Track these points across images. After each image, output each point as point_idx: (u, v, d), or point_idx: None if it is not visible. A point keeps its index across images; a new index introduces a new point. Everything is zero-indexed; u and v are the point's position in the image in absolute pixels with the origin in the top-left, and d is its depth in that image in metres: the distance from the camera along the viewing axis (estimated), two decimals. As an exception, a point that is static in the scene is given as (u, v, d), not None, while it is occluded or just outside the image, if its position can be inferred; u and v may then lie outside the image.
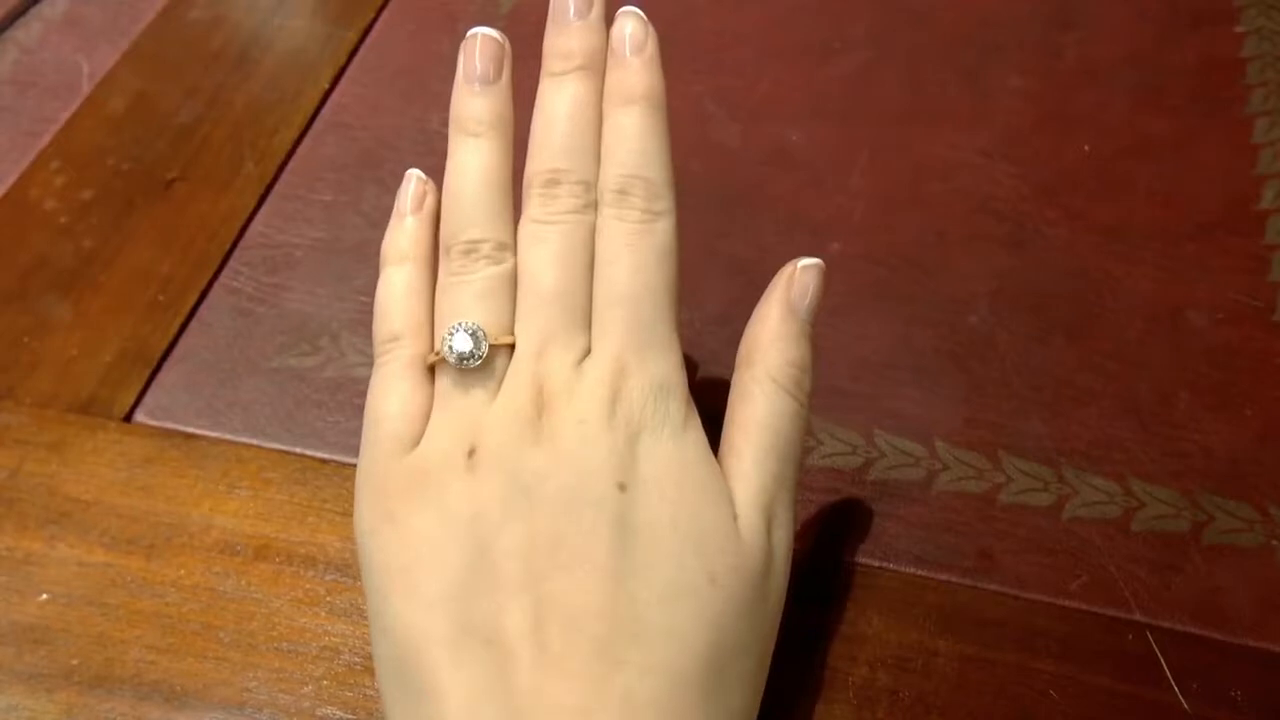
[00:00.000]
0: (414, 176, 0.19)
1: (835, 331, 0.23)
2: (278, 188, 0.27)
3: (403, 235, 0.19)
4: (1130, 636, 0.18)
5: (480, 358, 0.17)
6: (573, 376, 0.17)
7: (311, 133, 0.28)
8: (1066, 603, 0.19)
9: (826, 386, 0.22)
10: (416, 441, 0.17)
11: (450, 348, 0.17)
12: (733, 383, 0.18)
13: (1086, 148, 0.26)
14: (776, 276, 0.18)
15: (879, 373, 0.22)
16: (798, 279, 0.18)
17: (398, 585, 0.15)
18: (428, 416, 0.17)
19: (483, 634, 0.15)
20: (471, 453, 0.16)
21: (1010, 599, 0.19)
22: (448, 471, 0.16)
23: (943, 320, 0.23)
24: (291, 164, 0.27)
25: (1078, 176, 0.25)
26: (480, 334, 0.17)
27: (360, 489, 0.17)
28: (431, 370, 0.17)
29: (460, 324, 0.17)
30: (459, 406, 0.17)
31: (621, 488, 0.16)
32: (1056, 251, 0.24)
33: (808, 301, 0.18)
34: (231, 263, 0.25)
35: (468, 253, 0.18)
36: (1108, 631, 0.18)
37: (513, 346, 0.17)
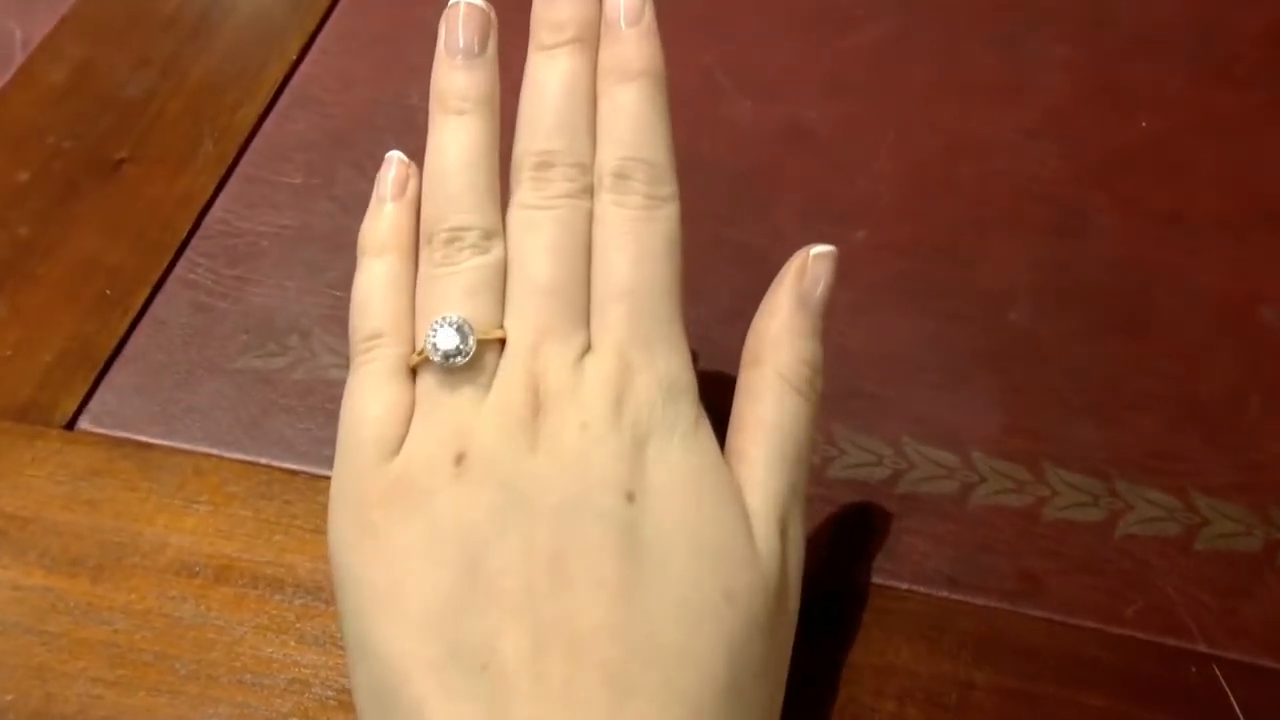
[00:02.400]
0: (395, 159, 0.20)
1: (859, 329, 0.23)
2: (240, 169, 0.27)
3: (382, 224, 0.19)
4: (1193, 669, 0.19)
5: (467, 355, 0.17)
6: (572, 375, 0.17)
7: (278, 108, 0.29)
8: (1119, 630, 0.19)
9: (849, 390, 0.23)
10: (399, 447, 0.17)
11: (434, 345, 0.17)
12: (739, 382, 0.18)
13: (1143, 124, 0.27)
14: (786, 266, 0.18)
15: (908, 375, 0.23)
16: (810, 269, 0.18)
17: (380, 606, 0.16)
18: (409, 420, 0.17)
19: (477, 660, 0.15)
20: (460, 458, 0.16)
21: (1055, 626, 0.19)
22: (434, 479, 0.16)
23: (979, 317, 0.24)
24: (255, 143, 0.28)
25: (1132, 157, 0.26)
26: (467, 328, 0.17)
27: (336, 500, 0.17)
28: (414, 372, 0.18)
29: (444, 318, 0.17)
30: (445, 408, 0.17)
31: (630, 497, 0.16)
32: (1107, 241, 0.25)
33: (820, 294, 0.18)
34: (188, 253, 0.26)
35: (451, 241, 0.18)
36: (1167, 663, 0.19)
37: (503, 342, 0.17)
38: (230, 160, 0.27)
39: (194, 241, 0.26)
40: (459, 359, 0.17)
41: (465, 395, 0.17)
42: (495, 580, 0.15)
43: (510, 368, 0.17)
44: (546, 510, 0.16)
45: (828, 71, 0.28)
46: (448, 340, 0.17)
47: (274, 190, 0.27)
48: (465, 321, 0.17)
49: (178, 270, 0.26)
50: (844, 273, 0.24)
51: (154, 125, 0.28)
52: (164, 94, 0.29)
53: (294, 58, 0.29)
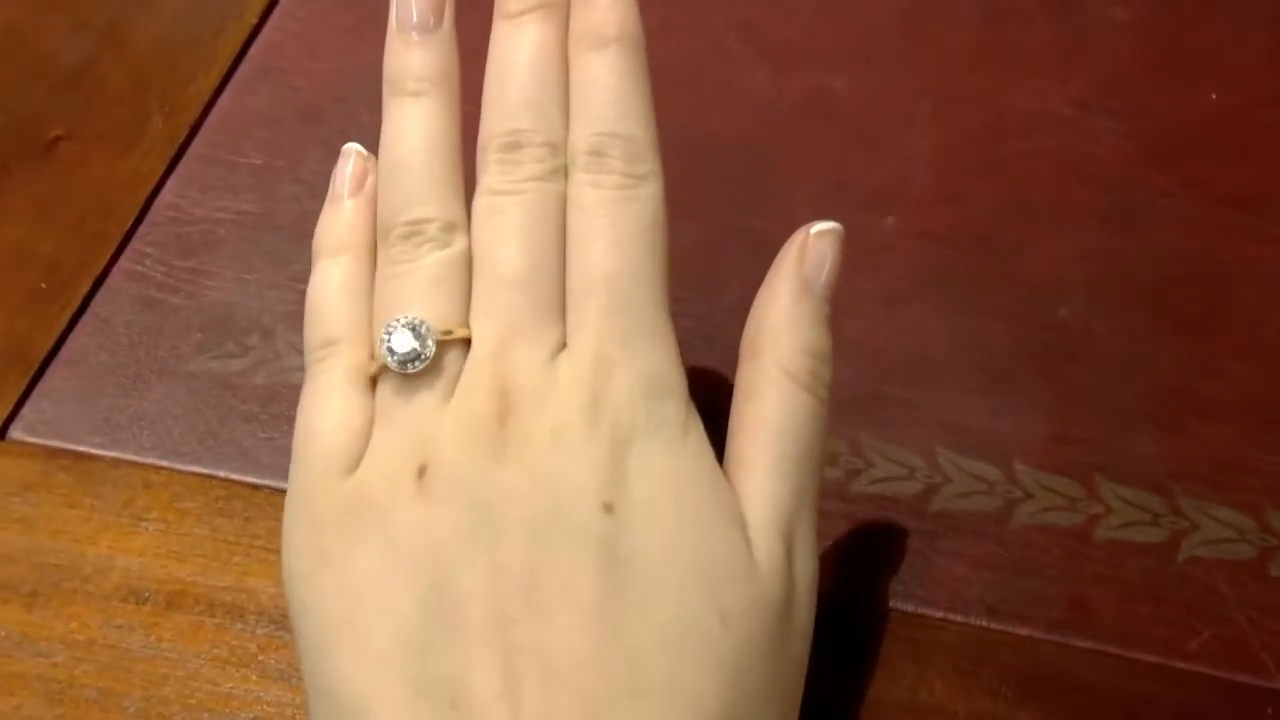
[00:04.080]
0: (352, 152, 0.20)
1: (888, 326, 0.24)
2: (193, 148, 0.28)
3: (339, 222, 0.20)
4: (1270, 710, 0.19)
5: (426, 358, 0.17)
6: (543, 375, 0.17)
7: (236, 80, 0.29)
8: (1183, 665, 0.20)
9: (876, 395, 0.23)
10: (356, 464, 0.18)
11: (389, 349, 0.17)
12: (737, 378, 0.18)
13: (1213, 96, 0.27)
14: (785, 247, 0.19)
15: (944, 377, 0.23)
16: (811, 249, 0.18)
17: (339, 638, 0.16)
18: (368, 434, 0.18)
19: (445, 695, 0.15)
20: (421, 472, 0.17)
21: (1110, 659, 0.20)
22: (393, 496, 0.17)
23: (1025, 313, 0.24)
24: (210, 119, 0.29)
25: (1200, 133, 0.26)
26: (424, 329, 0.18)
27: (288, 524, 0.18)
28: (375, 382, 0.18)
29: (399, 319, 0.18)
30: (403, 418, 0.17)
31: (608, 509, 0.16)
32: (1172, 227, 0.25)
33: (824, 276, 0.18)
34: (135, 242, 0.27)
35: (410, 236, 0.18)
36: (1237, 702, 0.19)
37: (468, 343, 0.18)
38: (182, 138, 0.28)
39: (141, 230, 0.27)
40: (417, 363, 0.17)
41: (425, 402, 0.17)
42: (462, 607, 0.16)
43: (474, 370, 0.17)
44: (516, 526, 0.16)
45: (855, 35, 0.29)
46: (403, 343, 0.17)
47: (232, 172, 0.28)
48: (422, 322, 0.18)
49: (123, 262, 0.26)
50: (872, 263, 0.25)
51: (94, 99, 0.29)
52: (105, 62, 0.30)
53: (254, 22, 0.30)
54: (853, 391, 0.23)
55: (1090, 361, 0.24)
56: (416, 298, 0.18)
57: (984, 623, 0.20)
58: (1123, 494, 0.22)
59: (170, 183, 0.28)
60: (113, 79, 0.29)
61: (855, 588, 0.21)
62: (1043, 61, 0.28)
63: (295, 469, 0.18)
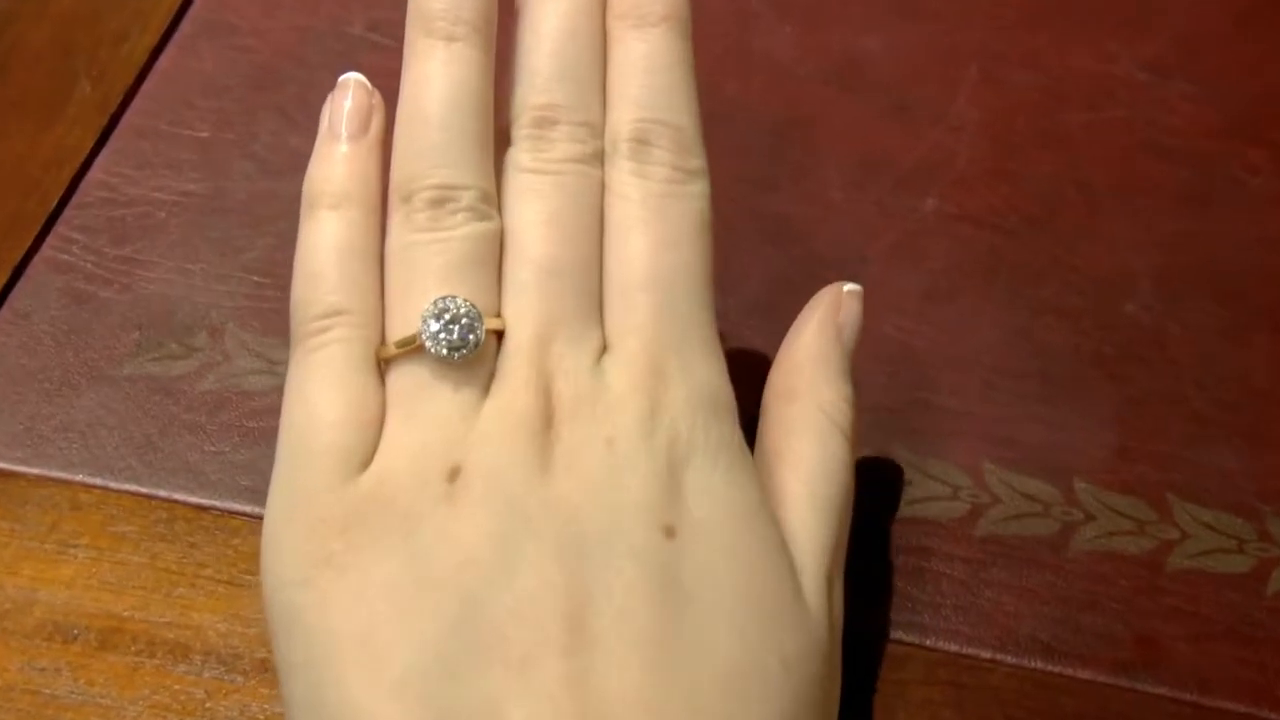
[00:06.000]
0: (352, 83, 0.20)
1: (929, 324, 0.24)
2: (128, 119, 0.28)
3: (338, 167, 0.20)
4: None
5: (474, 347, 0.18)
6: (591, 378, 0.18)
7: (177, 39, 0.30)
8: (1272, 715, 0.20)
9: (915, 402, 0.23)
10: (368, 460, 0.18)
11: (434, 333, 0.18)
12: (771, 415, 0.20)
13: (1306, 58, 0.28)
14: (815, 298, 0.21)
15: (992, 382, 0.24)
16: (845, 305, 0.20)
17: (346, 661, 0.16)
18: (379, 425, 0.18)
19: None
20: (454, 474, 0.17)
21: (1186, 708, 0.20)
22: (419, 499, 0.17)
23: (1086, 308, 0.25)
24: (147, 85, 0.29)
25: (1290, 101, 0.27)
26: (474, 315, 0.18)
27: (279, 523, 0.18)
28: (382, 364, 0.19)
29: (447, 300, 0.18)
30: (431, 412, 0.18)
31: (668, 533, 0.17)
32: (1258, 209, 0.26)
33: (850, 333, 0.20)
34: (60, 226, 0.27)
35: (440, 202, 0.19)
36: (1337, 757, 0.20)
37: (500, 334, 0.18)
38: (114, 107, 0.28)
39: (68, 212, 0.27)
40: (463, 352, 0.18)
41: (458, 397, 0.18)
42: (498, 630, 0.16)
43: (515, 366, 0.18)
44: (565, 543, 0.17)
45: (892, -10, 0.29)
46: (451, 329, 0.18)
47: (174, 146, 0.28)
48: (468, 304, 0.18)
49: (46, 249, 0.27)
50: (910, 252, 0.25)
51: (10, 61, 0.29)
52: (23, 19, 0.30)
53: (197, -27, 0.31)
54: (887, 399, 0.23)
55: (1163, 364, 0.24)
56: (453, 275, 0.18)
57: (1039, 664, 0.21)
58: (1201, 516, 0.22)
59: (101, 158, 0.28)
60: (32, 38, 0.30)
61: (892, 623, 0.21)
62: (1110, 18, 0.29)
63: (291, 464, 0.18)
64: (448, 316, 0.18)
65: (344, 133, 0.20)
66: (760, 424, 0.20)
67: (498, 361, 0.18)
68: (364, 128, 0.20)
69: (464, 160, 0.19)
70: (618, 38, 0.20)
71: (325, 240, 0.19)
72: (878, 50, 0.28)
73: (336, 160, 0.20)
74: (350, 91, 0.20)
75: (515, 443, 0.17)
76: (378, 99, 0.20)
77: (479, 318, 0.18)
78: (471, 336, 0.18)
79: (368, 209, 0.20)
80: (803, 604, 0.17)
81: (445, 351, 0.18)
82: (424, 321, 0.18)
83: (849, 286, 0.21)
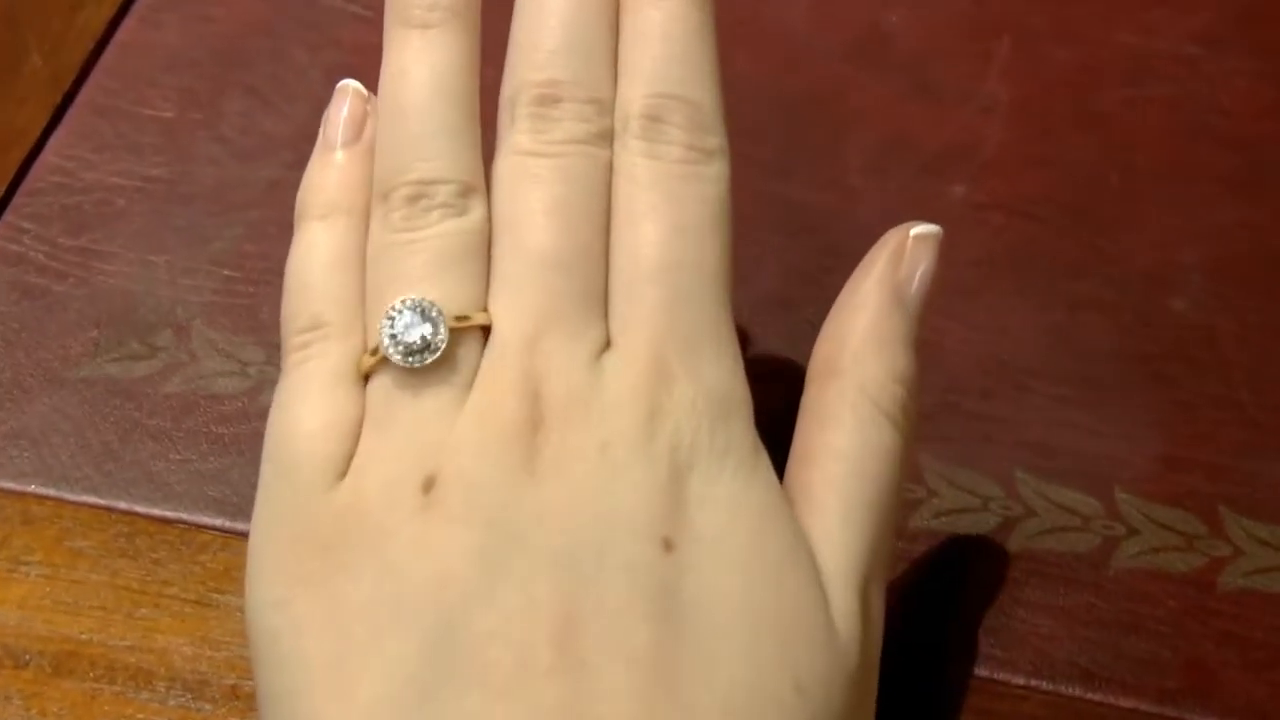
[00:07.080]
0: (349, 91, 0.21)
1: (958, 322, 0.25)
2: (83, 96, 0.29)
3: (331, 177, 0.20)
4: None
5: (437, 349, 0.18)
6: (586, 377, 0.18)
7: (138, 9, 0.30)
8: None
9: (944, 406, 0.24)
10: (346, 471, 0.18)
11: (391, 335, 0.18)
12: (806, 399, 0.19)
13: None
14: (876, 247, 0.19)
15: (1026, 385, 0.24)
16: (909, 255, 0.19)
17: (318, 682, 0.16)
18: (358, 437, 0.18)
19: None
20: (429, 484, 0.17)
21: None
22: (392, 512, 0.17)
23: (1128, 304, 0.25)
24: (105, 59, 0.29)
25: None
26: (436, 314, 0.18)
27: (261, 541, 0.18)
28: (367, 376, 0.19)
29: (405, 301, 0.18)
30: (406, 418, 0.18)
31: (667, 546, 0.17)
32: (1315, 197, 0.26)
33: (917, 289, 0.19)
34: (10, 215, 0.27)
35: (415, 198, 0.19)
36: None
37: (484, 331, 0.18)
38: (68, 84, 0.29)
39: (17, 199, 0.27)
40: (425, 355, 0.18)
41: (435, 401, 0.18)
42: (477, 651, 0.16)
43: (498, 366, 0.18)
44: (552, 557, 0.17)
45: (916, -42, 0.29)
46: (409, 330, 0.18)
47: (134, 127, 0.28)
48: (431, 305, 0.18)
49: (-5, 239, 0.27)
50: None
51: (-41, 34, 0.30)
52: (-29, -11, 0.30)
53: (159, -62, 0.31)
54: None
55: (1213, 365, 0.24)
56: (424, 275, 0.19)
57: (1078, 691, 0.21)
58: (1256, 532, 0.22)
59: (54, 140, 0.28)
60: (-21, 9, 0.30)
61: (918, 644, 0.21)
62: (1153, -11, 0.29)
63: (269, 479, 0.19)
64: (404, 321, 0.18)
65: (337, 140, 0.21)
66: (799, 412, 0.19)
67: (482, 362, 0.18)
68: (356, 135, 0.21)
69: (442, 151, 0.19)
70: (630, 6, 0.20)
71: (311, 253, 0.20)
72: (902, 22, 0.29)
73: (325, 170, 0.21)
74: (347, 99, 0.21)
75: (496, 448, 0.17)
76: (374, 105, 0.21)
77: (442, 317, 0.18)
78: (432, 339, 0.18)
79: (356, 217, 0.20)
80: (827, 622, 0.17)
81: (401, 357, 0.18)
82: (382, 326, 0.18)
83: (919, 229, 0.19)
